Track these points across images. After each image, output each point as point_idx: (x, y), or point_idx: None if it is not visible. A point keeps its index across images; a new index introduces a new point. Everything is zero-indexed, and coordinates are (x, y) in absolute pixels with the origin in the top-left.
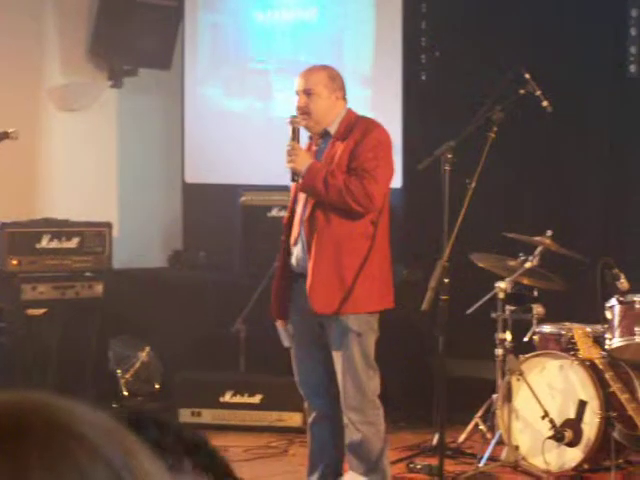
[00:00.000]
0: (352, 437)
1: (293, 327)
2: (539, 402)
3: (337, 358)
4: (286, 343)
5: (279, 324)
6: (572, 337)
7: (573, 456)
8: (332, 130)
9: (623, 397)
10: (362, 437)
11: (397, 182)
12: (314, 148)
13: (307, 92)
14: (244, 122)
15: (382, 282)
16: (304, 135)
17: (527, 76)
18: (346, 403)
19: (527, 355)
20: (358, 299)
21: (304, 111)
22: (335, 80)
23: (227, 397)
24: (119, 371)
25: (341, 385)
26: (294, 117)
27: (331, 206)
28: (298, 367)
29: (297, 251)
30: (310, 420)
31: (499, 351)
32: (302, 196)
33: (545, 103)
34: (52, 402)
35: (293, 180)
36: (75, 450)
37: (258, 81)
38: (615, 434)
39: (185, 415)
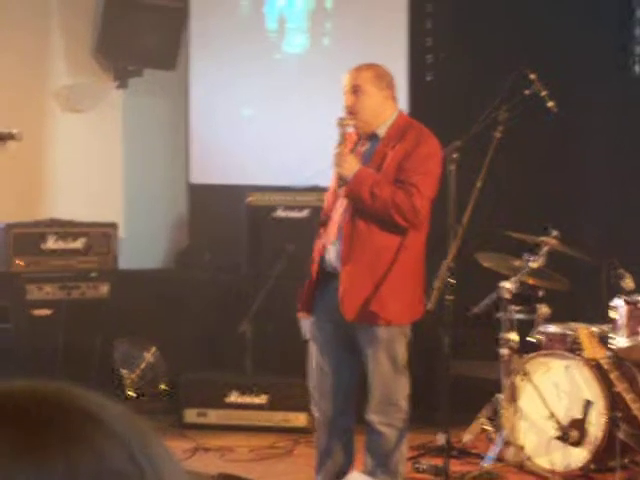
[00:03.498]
0: (371, 437)
1: (316, 329)
2: (545, 402)
3: (366, 361)
4: (307, 335)
5: (302, 316)
6: (577, 337)
7: (579, 456)
8: (381, 133)
9: (629, 397)
10: (380, 437)
11: None
12: (361, 149)
13: (354, 90)
14: (250, 122)
15: (415, 294)
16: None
17: (533, 76)
18: (370, 404)
19: (532, 355)
20: (391, 311)
21: (352, 110)
22: (383, 78)
23: (233, 397)
24: (125, 371)
25: (369, 386)
26: (342, 118)
27: (373, 216)
28: (314, 371)
29: (332, 252)
30: (317, 423)
31: (504, 351)
32: (342, 200)
33: (551, 104)
34: (70, 389)
35: (339, 185)
36: (93, 433)
37: None
38: (621, 434)
39: (191, 415)
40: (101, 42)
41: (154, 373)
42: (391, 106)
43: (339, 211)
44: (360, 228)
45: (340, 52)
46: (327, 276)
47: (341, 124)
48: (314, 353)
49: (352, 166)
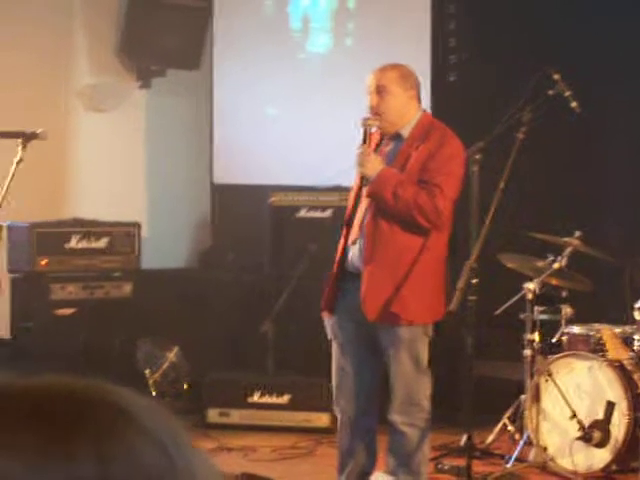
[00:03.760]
0: (393, 437)
1: (338, 328)
2: (567, 403)
3: (388, 361)
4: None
5: (326, 315)
6: (601, 338)
7: (601, 457)
8: (405, 133)
9: None
10: (402, 437)
11: None
12: (386, 149)
13: (379, 91)
14: (273, 122)
15: (436, 294)
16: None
17: (556, 77)
18: (393, 404)
19: (556, 356)
20: (412, 311)
21: (376, 111)
22: (408, 79)
23: (255, 397)
24: (147, 371)
25: (391, 386)
26: (366, 118)
27: (396, 217)
28: (336, 370)
29: (354, 251)
30: (339, 423)
31: (527, 352)
32: (365, 200)
33: (574, 104)
34: (100, 385)
35: (363, 185)
36: (124, 428)
37: None
38: None
39: (213, 415)
40: (124, 42)
41: (177, 373)
42: (415, 106)
43: (362, 211)
44: (382, 228)
45: (363, 52)
46: (349, 276)
47: (365, 124)
48: (337, 357)
49: (375, 166)
